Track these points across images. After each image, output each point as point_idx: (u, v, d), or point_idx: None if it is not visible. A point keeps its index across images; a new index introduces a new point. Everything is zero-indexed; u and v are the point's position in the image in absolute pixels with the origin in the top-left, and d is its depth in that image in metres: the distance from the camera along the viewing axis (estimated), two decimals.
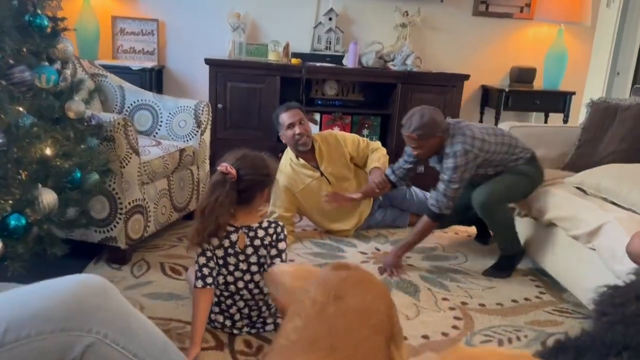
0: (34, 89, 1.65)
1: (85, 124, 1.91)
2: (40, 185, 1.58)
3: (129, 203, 2.46)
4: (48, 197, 1.59)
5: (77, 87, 1.84)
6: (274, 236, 1.95)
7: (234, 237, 1.92)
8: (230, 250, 1.93)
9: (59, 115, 1.74)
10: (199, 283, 1.91)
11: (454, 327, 2.20)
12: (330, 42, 4.07)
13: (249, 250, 1.94)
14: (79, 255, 2.59)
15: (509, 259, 2.72)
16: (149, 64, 3.91)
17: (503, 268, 2.71)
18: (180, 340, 1.98)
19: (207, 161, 3.18)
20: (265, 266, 1.96)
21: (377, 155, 3.12)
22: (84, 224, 1.98)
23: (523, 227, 2.82)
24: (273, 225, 1.97)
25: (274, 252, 1.95)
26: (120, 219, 2.45)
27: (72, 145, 1.77)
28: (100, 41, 3.89)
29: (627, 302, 0.77)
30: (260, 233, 1.94)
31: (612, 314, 0.80)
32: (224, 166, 1.86)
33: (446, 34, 4.24)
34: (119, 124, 2.33)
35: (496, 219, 2.65)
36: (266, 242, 1.94)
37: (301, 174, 3.01)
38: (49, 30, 1.75)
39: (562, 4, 3.91)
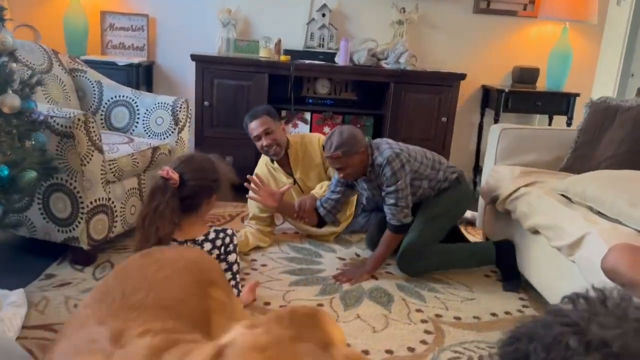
0: None
1: (25, 118, 1.82)
2: None
3: (91, 202, 2.37)
4: None
5: (17, 80, 1.74)
6: (222, 248, 1.81)
7: None
8: None
9: None
10: None
11: (422, 341, 2.06)
12: (323, 39, 3.94)
13: None
14: (44, 255, 2.53)
15: (500, 265, 2.60)
16: (138, 59, 3.83)
17: (508, 277, 2.58)
18: None
19: None
20: None
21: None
22: (11, 224, 1.88)
23: (508, 232, 2.66)
24: (221, 235, 1.82)
25: (223, 265, 1.82)
26: (82, 218, 2.36)
27: (8, 142, 1.68)
28: (90, 36, 3.84)
29: (513, 341, 0.64)
30: (207, 246, 1.79)
31: (501, 351, 0.68)
32: (165, 170, 1.71)
33: (445, 32, 4.08)
34: (78, 120, 2.25)
35: (436, 266, 2.60)
36: (213, 255, 1.80)
37: (276, 177, 2.89)
38: None
39: (567, 2, 3.72)
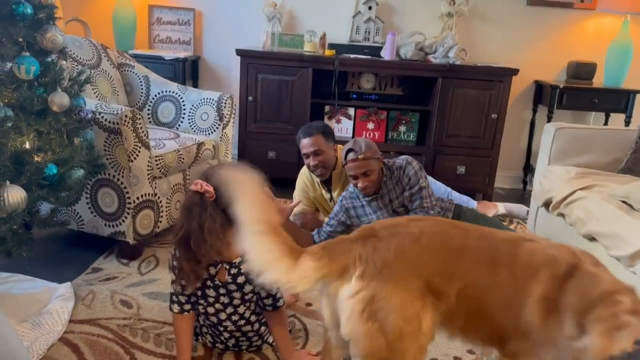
0: (18, 80, 1.58)
1: (74, 116, 1.83)
2: (8, 182, 1.51)
3: (138, 198, 2.39)
4: (15, 195, 1.52)
5: (66, 78, 1.74)
6: None
7: (212, 270, 1.67)
8: (208, 283, 1.70)
9: (42, 108, 1.67)
10: (175, 308, 1.72)
11: (470, 351, 1.98)
12: (369, 32, 3.86)
13: (232, 287, 1.69)
14: (91, 248, 2.58)
15: None
16: (185, 54, 3.85)
17: None
18: (169, 347, 1.89)
19: (230, 155, 3.08)
20: (255, 297, 1.72)
21: None
22: (60, 223, 1.90)
23: (561, 237, 2.53)
24: None
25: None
26: (128, 213, 2.39)
27: (57, 140, 1.69)
28: (138, 31, 3.88)
29: None
30: (245, 268, 1.65)
31: None
32: (199, 184, 1.56)
33: (497, 25, 3.93)
34: (126, 116, 2.26)
35: None
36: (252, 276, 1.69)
37: (317, 185, 2.81)
38: (36, 18, 1.67)
39: None
